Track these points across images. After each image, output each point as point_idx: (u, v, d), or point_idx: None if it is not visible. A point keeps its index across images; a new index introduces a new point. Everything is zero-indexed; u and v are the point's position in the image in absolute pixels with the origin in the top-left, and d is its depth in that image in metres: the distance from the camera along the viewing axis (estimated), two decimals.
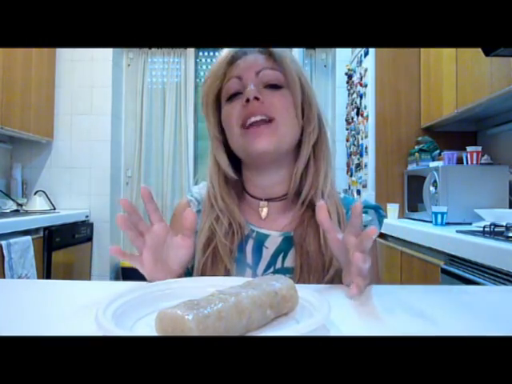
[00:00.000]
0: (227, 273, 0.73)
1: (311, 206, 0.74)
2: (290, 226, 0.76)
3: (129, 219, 0.60)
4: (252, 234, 0.76)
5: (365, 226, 0.76)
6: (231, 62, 0.74)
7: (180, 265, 0.65)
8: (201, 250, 0.74)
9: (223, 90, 0.75)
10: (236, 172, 0.78)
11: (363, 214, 0.77)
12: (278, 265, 0.74)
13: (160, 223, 0.63)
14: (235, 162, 0.78)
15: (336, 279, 0.70)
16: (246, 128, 0.71)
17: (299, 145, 0.76)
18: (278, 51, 0.74)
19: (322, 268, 0.72)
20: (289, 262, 0.74)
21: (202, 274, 0.73)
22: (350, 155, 3.01)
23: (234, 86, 0.73)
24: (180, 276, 0.67)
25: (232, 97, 0.73)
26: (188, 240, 0.64)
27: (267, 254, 0.75)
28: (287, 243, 0.75)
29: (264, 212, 0.78)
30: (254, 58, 0.74)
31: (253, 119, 0.70)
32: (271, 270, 0.74)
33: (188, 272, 0.78)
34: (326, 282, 0.70)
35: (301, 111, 0.75)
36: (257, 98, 0.70)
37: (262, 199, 0.78)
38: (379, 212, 0.79)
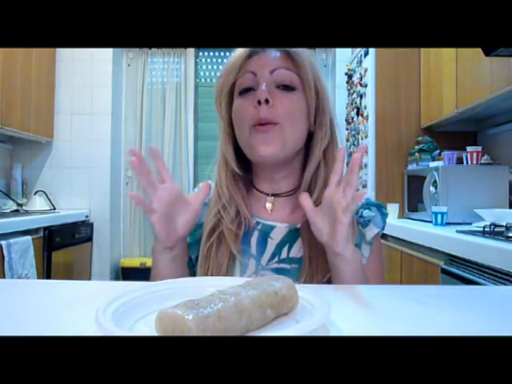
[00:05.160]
0: (232, 258, 0.74)
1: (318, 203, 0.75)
2: (296, 219, 0.76)
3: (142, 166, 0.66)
4: (257, 226, 0.77)
5: (368, 221, 0.76)
6: (248, 56, 0.74)
7: (187, 228, 0.71)
8: (206, 235, 0.76)
9: (237, 83, 0.75)
10: (245, 165, 0.79)
11: (366, 210, 0.77)
12: (284, 255, 0.74)
13: (172, 182, 0.70)
14: (244, 155, 0.78)
15: None
16: (254, 127, 0.71)
17: (310, 146, 0.77)
18: (297, 52, 0.73)
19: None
20: (294, 252, 0.74)
21: (207, 259, 0.74)
22: (350, 155, 3.01)
23: (247, 81, 0.73)
24: (183, 247, 0.73)
25: (244, 92, 0.74)
26: (198, 201, 0.71)
27: (272, 244, 0.75)
28: (293, 235, 0.75)
29: (270, 206, 0.78)
30: (270, 55, 0.74)
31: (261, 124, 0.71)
32: (275, 260, 0.74)
33: (190, 263, 0.79)
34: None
35: (313, 116, 0.75)
36: (267, 101, 0.70)
37: (268, 194, 0.79)
38: (381, 210, 0.79)
